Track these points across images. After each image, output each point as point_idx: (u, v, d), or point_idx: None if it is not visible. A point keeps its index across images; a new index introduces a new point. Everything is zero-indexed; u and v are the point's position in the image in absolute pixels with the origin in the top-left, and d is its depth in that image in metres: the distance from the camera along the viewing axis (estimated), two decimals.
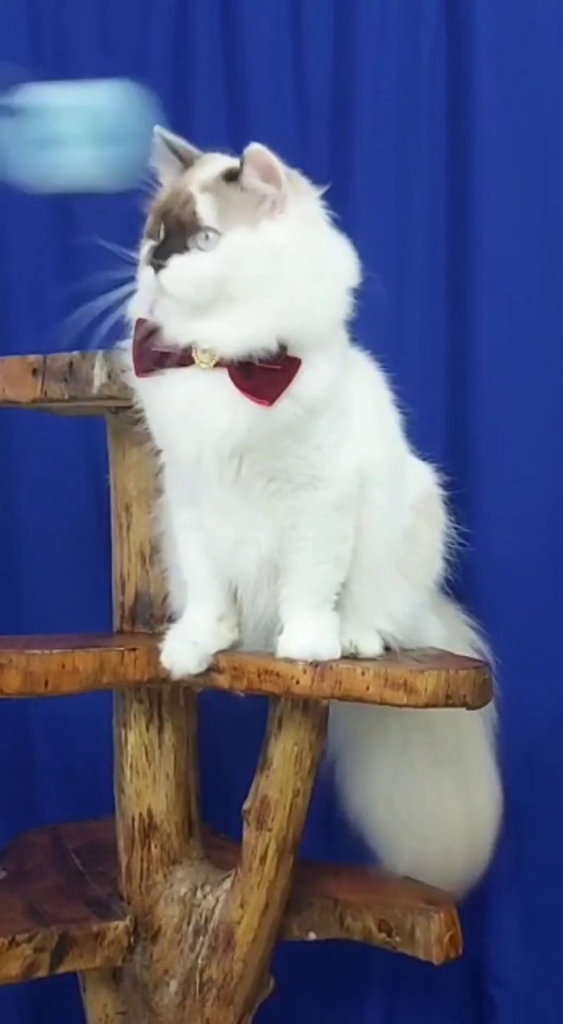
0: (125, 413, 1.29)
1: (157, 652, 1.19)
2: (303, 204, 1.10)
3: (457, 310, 1.66)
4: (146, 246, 1.10)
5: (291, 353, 1.07)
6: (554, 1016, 1.63)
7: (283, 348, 1.06)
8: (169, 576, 1.29)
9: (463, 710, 1.16)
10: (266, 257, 1.06)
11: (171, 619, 1.31)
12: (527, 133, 1.61)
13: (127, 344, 1.14)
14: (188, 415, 1.08)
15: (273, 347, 1.06)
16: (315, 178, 1.70)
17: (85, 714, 1.55)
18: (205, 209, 1.06)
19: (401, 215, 1.66)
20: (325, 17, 1.70)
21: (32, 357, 1.25)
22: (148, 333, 1.09)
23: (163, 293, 1.06)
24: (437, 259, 1.67)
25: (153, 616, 1.33)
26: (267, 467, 1.11)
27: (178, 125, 1.73)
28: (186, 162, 1.12)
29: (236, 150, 1.77)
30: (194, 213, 1.06)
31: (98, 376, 1.23)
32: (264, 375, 1.06)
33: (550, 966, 1.63)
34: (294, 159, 1.81)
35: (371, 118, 1.66)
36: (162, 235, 1.08)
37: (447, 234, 1.67)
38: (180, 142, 1.13)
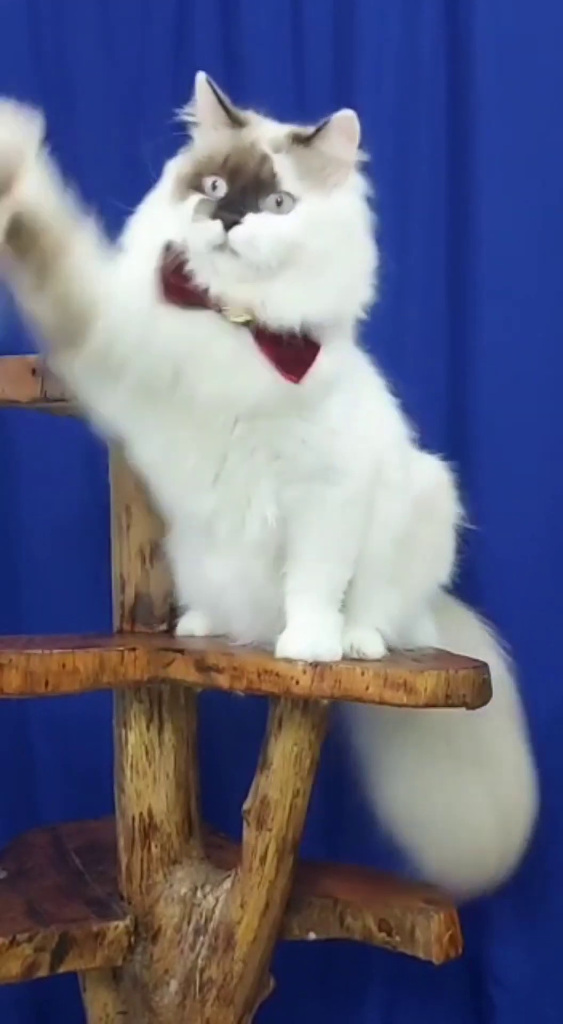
0: None
1: (156, 652, 1.20)
2: (357, 175, 1.09)
3: (457, 310, 1.66)
4: (194, 198, 1.04)
5: (317, 332, 1.06)
6: (554, 1016, 1.63)
7: (319, 330, 1.05)
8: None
9: (490, 709, 1.17)
10: (338, 228, 1.05)
11: (175, 615, 1.32)
12: (527, 133, 1.61)
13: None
14: (220, 362, 1.04)
15: (328, 322, 1.04)
16: None
17: (85, 714, 1.55)
18: (284, 170, 1.03)
19: (401, 215, 1.65)
20: (325, 17, 1.70)
21: (32, 357, 1.25)
22: (177, 263, 1.04)
23: (225, 250, 1.01)
24: (437, 259, 1.67)
25: (153, 616, 1.34)
26: (268, 440, 1.09)
27: (178, 127, 1.75)
28: (234, 119, 1.07)
29: None
30: (273, 174, 1.03)
31: None
32: (289, 350, 1.04)
33: (550, 966, 1.63)
34: None
35: (371, 118, 1.64)
36: (226, 191, 1.03)
37: (447, 234, 1.67)
38: (226, 97, 1.08)
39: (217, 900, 1.27)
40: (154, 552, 1.31)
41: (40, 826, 1.61)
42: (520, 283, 1.62)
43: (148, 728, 1.32)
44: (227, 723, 1.40)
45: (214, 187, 1.04)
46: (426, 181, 1.67)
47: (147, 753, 1.32)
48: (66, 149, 1.74)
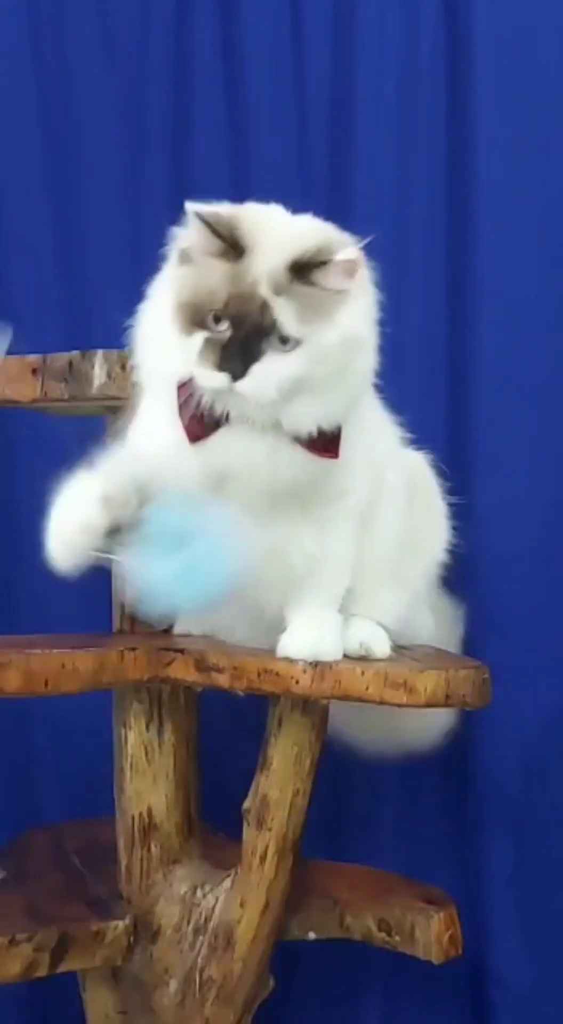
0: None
1: (156, 652, 1.20)
2: (362, 279, 1.08)
3: (457, 310, 1.66)
4: (199, 337, 1.05)
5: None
6: (554, 1016, 1.63)
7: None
8: None
9: None
10: (345, 349, 1.06)
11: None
12: (527, 133, 1.61)
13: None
14: (259, 463, 1.07)
15: (344, 419, 1.08)
16: (315, 177, 1.72)
17: (85, 714, 1.55)
18: (285, 316, 1.03)
19: (401, 215, 1.65)
20: (325, 17, 1.70)
21: (32, 357, 1.25)
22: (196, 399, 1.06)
23: (234, 394, 1.04)
24: (437, 259, 1.67)
25: None
26: (313, 490, 1.12)
27: (178, 127, 1.75)
28: (232, 246, 1.04)
29: (236, 151, 1.78)
30: (274, 322, 1.03)
31: (98, 376, 1.23)
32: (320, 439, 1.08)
33: (550, 966, 1.63)
34: (294, 159, 1.82)
35: (371, 118, 1.66)
36: (229, 334, 1.04)
37: (447, 234, 1.67)
38: (223, 219, 1.05)
39: (217, 900, 1.27)
40: None
41: (40, 826, 1.61)
42: (520, 283, 1.62)
43: (148, 728, 1.32)
44: (227, 723, 1.39)
45: (217, 321, 1.05)
46: (426, 181, 1.66)
47: (147, 753, 1.32)
48: (66, 149, 1.77)
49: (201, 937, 1.27)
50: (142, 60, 1.77)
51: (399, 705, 1.11)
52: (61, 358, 1.24)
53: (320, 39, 1.71)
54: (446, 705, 1.13)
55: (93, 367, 1.23)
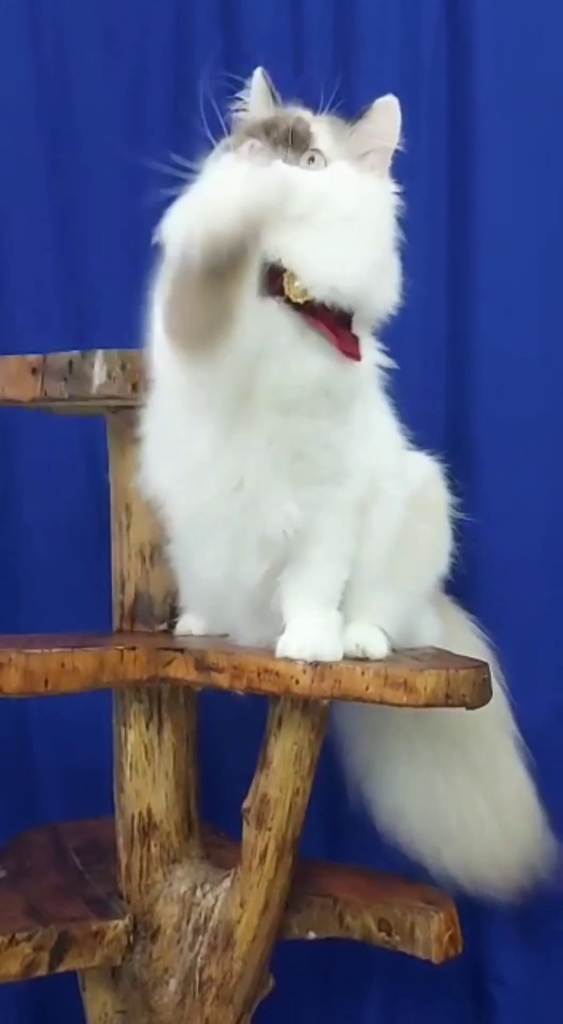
0: (125, 412, 1.29)
1: (156, 652, 1.20)
2: (392, 186, 1.10)
3: (457, 309, 1.66)
4: (228, 157, 1.06)
5: (354, 328, 1.07)
6: (554, 1016, 1.63)
7: (353, 300, 1.05)
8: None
9: (481, 714, 1.17)
10: (366, 199, 1.06)
11: (175, 614, 1.32)
12: (527, 133, 1.61)
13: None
14: (282, 346, 1.04)
15: (355, 293, 1.05)
16: None
17: (85, 714, 1.55)
18: (320, 132, 1.05)
19: (401, 215, 1.65)
20: (325, 17, 1.70)
21: (32, 357, 1.25)
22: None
23: (258, 196, 1.00)
24: (437, 259, 1.67)
25: (153, 616, 1.34)
26: (293, 441, 1.09)
27: (179, 125, 1.75)
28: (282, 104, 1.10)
29: None
30: (309, 132, 1.05)
31: (98, 375, 1.23)
32: (344, 332, 1.06)
33: (550, 966, 1.63)
34: None
35: None
36: (261, 147, 1.05)
37: (447, 234, 1.67)
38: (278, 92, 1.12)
39: (217, 899, 1.27)
40: (154, 552, 1.32)
41: (40, 825, 1.61)
42: (520, 283, 1.62)
43: (148, 727, 1.32)
44: (227, 723, 1.40)
45: (251, 148, 1.06)
46: (426, 181, 1.66)
47: (147, 752, 1.32)
48: (65, 149, 1.77)
49: (201, 937, 1.27)
50: (142, 58, 1.77)
51: (399, 705, 1.11)
52: (61, 358, 1.24)
53: (320, 39, 1.71)
54: (446, 705, 1.12)
55: (93, 367, 1.23)
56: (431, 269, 1.67)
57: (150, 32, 1.77)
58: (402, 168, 1.66)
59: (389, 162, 1.10)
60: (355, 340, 1.08)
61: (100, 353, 1.23)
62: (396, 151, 1.10)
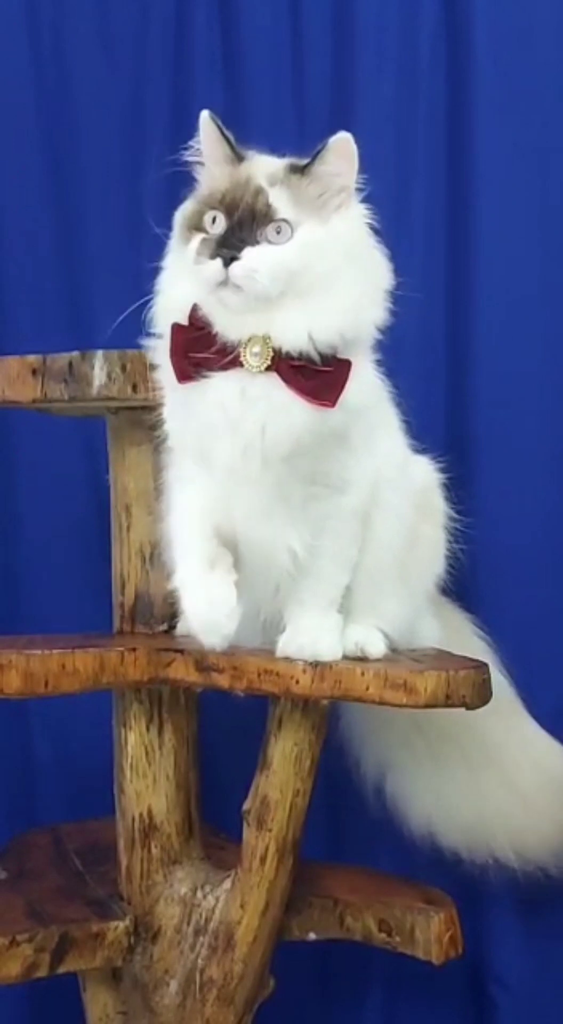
0: (125, 413, 1.29)
1: (156, 653, 1.19)
2: (358, 204, 1.10)
3: (457, 309, 1.66)
4: (196, 239, 1.07)
5: (342, 355, 1.06)
6: (554, 1016, 1.63)
7: (333, 350, 1.06)
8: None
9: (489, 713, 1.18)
10: (337, 252, 1.05)
11: (175, 615, 1.32)
12: (526, 133, 1.61)
13: (155, 344, 1.12)
14: (240, 419, 1.05)
15: (336, 344, 1.05)
16: None
17: (85, 714, 1.55)
18: (280, 201, 1.05)
19: (401, 215, 1.65)
20: (324, 17, 1.70)
21: (32, 357, 1.25)
22: (189, 337, 1.07)
23: (228, 286, 1.03)
24: (437, 259, 1.67)
25: (153, 616, 1.34)
26: (311, 471, 1.10)
27: (178, 126, 1.75)
28: (235, 154, 1.09)
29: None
30: (268, 204, 1.04)
31: (98, 376, 1.23)
32: (318, 377, 1.05)
33: (550, 966, 1.63)
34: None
35: (370, 118, 1.66)
36: (225, 226, 1.05)
37: (447, 234, 1.67)
38: (229, 132, 1.11)
39: (217, 900, 1.27)
40: (154, 552, 1.31)
41: (40, 826, 1.61)
42: (520, 283, 1.62)
43: (148, 728, 1.32)
44: (227, 723, 1.40)
45: (214, 222, 1.07)
46: (426, 181, 1.66)
47: (147, 753, 1.32)
48: (65, 149, 1.77)
49: (201, 938, 1.27)
50: (142, 59, 1.77)
51: (399, 706, 1.11)
52: (61, 358, 1.24)
53: (320, 39, 1.71)
54: (446, 705, 1.12)
55: (93, 368, 1.23)
56: (431, 269, 1.67)
57: (150, 32, 1.77)
58: (402, 168, 1.68)
59: (352, 195, 1.09)
60: (333, 383, 1.06)
61: (100, 354, 1.23)
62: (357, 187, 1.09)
